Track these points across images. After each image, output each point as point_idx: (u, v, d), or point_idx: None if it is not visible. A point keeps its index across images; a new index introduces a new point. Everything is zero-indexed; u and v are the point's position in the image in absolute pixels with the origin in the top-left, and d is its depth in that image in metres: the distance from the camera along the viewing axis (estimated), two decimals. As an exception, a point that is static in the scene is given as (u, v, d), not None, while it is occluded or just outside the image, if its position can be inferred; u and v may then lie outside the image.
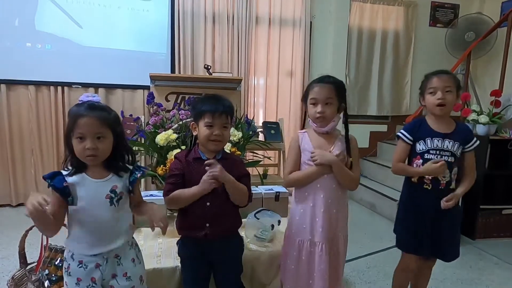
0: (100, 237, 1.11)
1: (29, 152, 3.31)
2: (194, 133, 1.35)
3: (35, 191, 3.23)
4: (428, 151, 1.53)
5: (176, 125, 2.06)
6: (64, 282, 1.15)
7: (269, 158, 3.22)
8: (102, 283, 1.13)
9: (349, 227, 1.49)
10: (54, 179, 1.06)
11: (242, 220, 1.45)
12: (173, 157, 1.74)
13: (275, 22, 3.78)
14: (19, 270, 1.71)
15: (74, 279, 1.12)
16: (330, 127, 1.39)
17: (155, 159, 2.02)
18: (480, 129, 2.81)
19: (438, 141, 1.52)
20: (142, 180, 2.60)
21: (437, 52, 4.20)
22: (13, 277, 1.67)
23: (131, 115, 2.96)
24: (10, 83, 3.18)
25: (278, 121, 3.51)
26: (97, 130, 1.06)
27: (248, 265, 1.56)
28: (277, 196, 2.03)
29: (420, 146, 1.56)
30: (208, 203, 1.28)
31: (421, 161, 1.55)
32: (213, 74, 3.20)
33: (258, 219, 1.72)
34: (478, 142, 1.56)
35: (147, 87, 3.09)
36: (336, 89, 1.36)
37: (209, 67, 3.19)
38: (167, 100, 2.95)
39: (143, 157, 2.54)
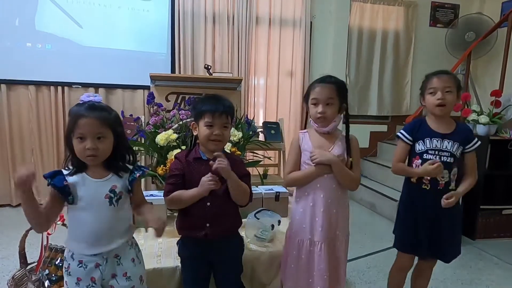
0: (100, 237, 1.11)
1: (29, 152, 3.31)
2: (195, 133, 1.35)
3: (34, 191, 3.22)
4: (427, 151, 1.53)
5: (176, 125, 2.06)
6: (64, 281, 1.15)
7: (269, 158, 3.22)
8: (102, 283, 1.13)
9: (349, 227, 1.49)
10: (54, 178, 1.07)
11: (242, 220, 1.45)
12: (173, 157, 1.74)
13: (275, 22, 3.78)
14: (19, 270, 1.71)
15: (74, 279, 1.12)
16: (331, 127, 1.39)
17: (155, 159, 2.02)
18: (480, 129, 2.81)
19: (437, 141, 1.52)
20: (142, 180, 2.60)
21: (437, 52, 4.20)
22: (13, 277, 1.67)
23: (131, 115, 2.97)
24: (10, 83, 3.18)
25: (278, 121, 3.51)
26: (98, 130, 1.07)
27: (248, 265, 1.56)
28: (277, 196, 2.03)
29: (419, 146, 1.56)
30: (208, 203, 1.28)
31: (420, 161, 1.55)
32: (213, 74, 3.20)
33: (258, 219, 1.72)
34: (479, 142, 1.55)
35: (147, 87, 3.09)
36: (337, 89, 1.36)
37: (209, 67, 3.19)
38: (167, 100, 2.96)
39: (143, 157, 2.54)
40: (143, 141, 2.17)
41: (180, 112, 2.12)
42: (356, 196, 3.79)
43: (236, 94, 3.12)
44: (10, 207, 3.30)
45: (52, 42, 3.22)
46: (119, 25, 3.36)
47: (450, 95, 1.49)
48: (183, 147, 1.91)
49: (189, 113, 2.07)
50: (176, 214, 1.41)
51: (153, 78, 2.94)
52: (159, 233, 1.13)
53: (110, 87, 3.42)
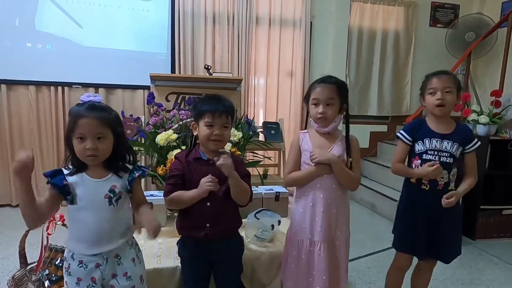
0: (100, 237, 1.11)
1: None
2: (195, 133, 1.35)
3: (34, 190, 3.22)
4: (426, 152, 1.53)
5: (176, 125, 2.07)
6: (65, 282, 1.15)
7: (269, 158, 3.22)
8: (102, 282, 1.14)
9: (349, 227, 1.49)
10: (54, 177, 1.07)
11: (242, 220, 1.45)
12: (173, 157, 1.74)
13: (275, 22, 3.78)
14: (19, 270, 1.71)
15: (74, 279, 1.12)
16: (332, 127, 1.39)
17: (155, 159, 2.02)
18: (480, 130, 2.81)
19: (436, 141, 1.52)
20: (143, 180, 2.60)
21: (437, 52, 4.20)
22: (13, 277, 1.67)
23: (131, 115, 2.97)
24: (10, 83, 3.18)
25: (278, 121, 3.51)
26: (98, 131, 1.07)
27: (248, 265, 1.56)
28: (277, 196, 2.03)
29: (418, 147, 1.56)
30: (208, 203, 1.28)
31: (419, 161, 1.55)
32: (213, 74, 3.20)
33: (258, 219, 1.72)
34: (479, 143, 1.55)
35: (147, 87, 3.09)
36: (338, 89, 1.36)
37: (209, 67, 3.19)
38: (167, 100, 2.96)
39: (143, 157, 2.54)
40: (143, 141, 2.17)
41: (180, 112, 2.12)
42: (356, 196, 3.79)
43: (236, 94, 3.12)
44: (10, 207, 3.30)
45: (52, 42, 3.22)
46: (119, 25, 3.36)
47: (450, 95, 1.49)
48: (183, 147, 1.91)
49: (189, 113, 2.07)
50: (176, 214, 1.41)
51: (153, 78, 2.94)
52: (150, 235, 1.09)
53: (110, 87, 3.42)
